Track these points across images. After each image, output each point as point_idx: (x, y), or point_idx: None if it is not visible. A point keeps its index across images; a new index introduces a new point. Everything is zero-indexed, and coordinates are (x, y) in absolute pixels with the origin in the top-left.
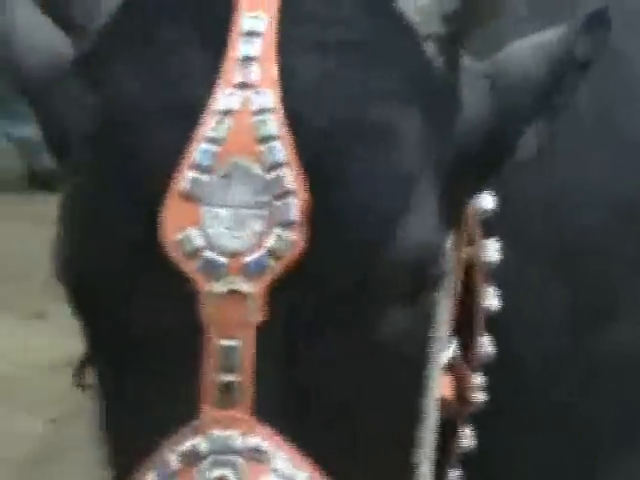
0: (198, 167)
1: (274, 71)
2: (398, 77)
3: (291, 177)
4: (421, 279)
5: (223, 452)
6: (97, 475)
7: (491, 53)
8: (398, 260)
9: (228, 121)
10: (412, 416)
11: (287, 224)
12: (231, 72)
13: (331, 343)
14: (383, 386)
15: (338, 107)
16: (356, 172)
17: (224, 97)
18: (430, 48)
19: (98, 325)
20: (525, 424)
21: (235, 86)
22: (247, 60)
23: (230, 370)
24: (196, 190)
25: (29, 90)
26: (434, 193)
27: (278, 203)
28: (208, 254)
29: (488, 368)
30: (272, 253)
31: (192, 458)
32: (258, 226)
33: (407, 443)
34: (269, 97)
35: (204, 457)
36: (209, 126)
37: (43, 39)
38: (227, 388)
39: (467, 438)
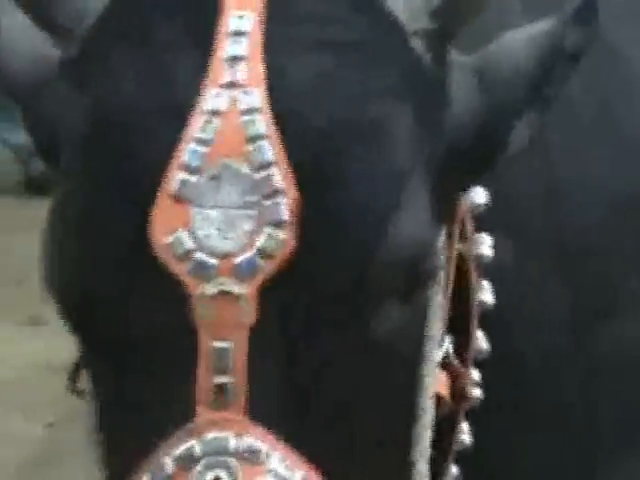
0: (187, 168)
1: (261, 70)
2: (389, 74)
3: (280, 176)
4: (415, 276)
5: (217, 454)
6: (94, 479)
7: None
8: (392, 257)
9: (216, 121)
10: (408, 414)
11: (277, 223)
12: (218, 72)
13: (325, 342)
14: (378, 384)
15: (330, 106)
16: (350, 171)
17: (212, 97)
18: (418, 44)
19: (90, 329)
20: (525, 422)
21: (223, 86)
22: (234, 60)
23: (223, 372)
24: (185, 191)
25: (16, 95)
26: (426, 189)
27: (268, 202)
28: (198, 256)
29: (487, 364)
30: (263, 253)
31: (187, 461)
32: (248, 226)
33: (403, 441)
34: (257, 96)
35: (198, 460)
36: (197, 127)
37: (27, 42)
38: (220, 390)
39: (464, 435)
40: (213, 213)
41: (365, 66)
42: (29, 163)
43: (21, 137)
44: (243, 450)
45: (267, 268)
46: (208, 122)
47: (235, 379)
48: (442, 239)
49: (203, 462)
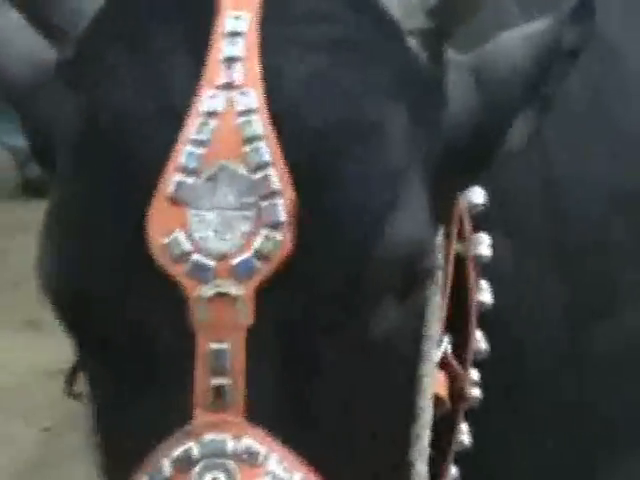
0: (184, 170)
1: (258, 70)
2: (385, 74)
3: (277, 177)
4: (412, 275)
5: (215, 456)
6: None
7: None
8: (389, 257)
9: (213, 123)
10: (407, 414)
11: (274, 224)
12: (215, 73)
13: (323, 343)
14: (376, 385)
15: (327, 106)
16: (347, 171)
17: (208, 98)
18: (414, 43)
19: (87, 331)
20: (524, 422)
21: (219, 87)
22: (230, 61)
23: (221, 373)
24: (182, 193)
25: (12, 97)
26: (423, 189)
27: (264, 204)
28: (195, 257)
29: (485, 364)
30: (260, 254)
31: (185, 463)
32: (245, 227)
33: (402, 442)
34: (253, 97)
35: (196, 462)
36: (193, 128)
37: (23, 44)
38: (218, 391)
39: (464, 436)
40: (210, 215)
41: (361, 65)
42: (26, 166)
43: (18, 140)
44: (241, 452)
45: (264, 269)
46: (204, 123)
47: (233, 381)
48: (440, 239)
49: (201, 464)
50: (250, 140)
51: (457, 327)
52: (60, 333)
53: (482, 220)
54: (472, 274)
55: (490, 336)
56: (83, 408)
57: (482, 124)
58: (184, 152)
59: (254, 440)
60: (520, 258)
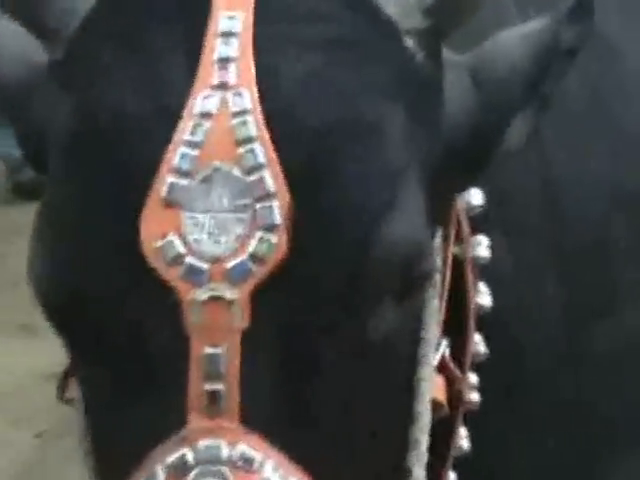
0: (177, 172)
1: (252, 71)
2: (382, 73)
3: (272, 179)
4: (410, 277)
5: (210, 462)
6: None
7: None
8: (386, 257)
9: (207, 124)
10: (404, 418)
11: (269, 227)
12: (209, 74)
13: (319, 346)
14: (374, 389)
15: (323, 106)
16: (344, 171)
17: (202, 99)
18: (411, 43)
19: (79, 334)
20: (522, 423)
21: (213, 88)
22: (224, 61)
23: (216, 378)
24: (176, 195)
25: (6, 100)
26: (421, 189)
27: (259, 206)
28: (189, 260)
29: (485, 365)
30: (255, 257)
31: (179, 470)
32: (240, 230)
33: (400, 446)
34: (248, 98)
35: (191, 468)
36: (187, 129)
37: (16, 46)
38: (213, 396)
39: (463, 440)
40: (204, 217)
41: (357, 65)
42: (17, 170)
43: (10, 147)
44: (236, 458)
45: (259, 272)
46: (198, 125)
47: (227, 385)
48: (438, 241)
49: (196, 471)
50: (244, 141)
51: (455, 330)
52: (54, 337)
53: (480, 221)
54: (470, 276)
55: (489, 337)
56: (76, 413)
57: (480, 124)
58: (178, 154)
59: (249, 446)
60: (519, 258)
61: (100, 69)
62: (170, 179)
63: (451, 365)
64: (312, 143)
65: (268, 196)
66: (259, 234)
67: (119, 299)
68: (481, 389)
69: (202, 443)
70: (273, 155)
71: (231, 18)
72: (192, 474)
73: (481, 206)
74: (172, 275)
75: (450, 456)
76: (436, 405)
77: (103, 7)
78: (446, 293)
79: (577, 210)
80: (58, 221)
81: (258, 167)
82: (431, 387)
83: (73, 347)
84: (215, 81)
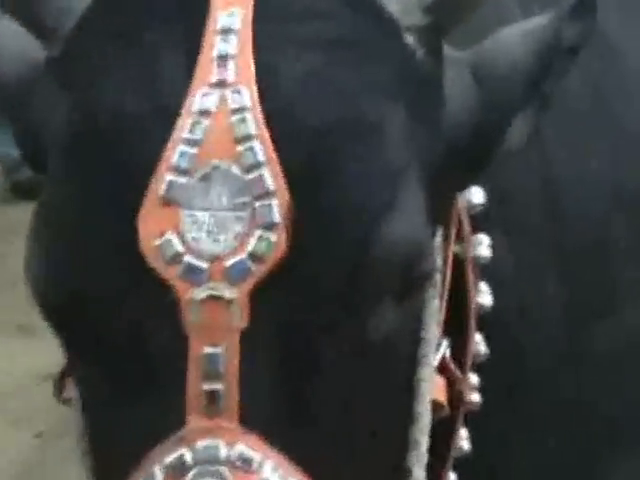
0: (176, 170)
1: (251, 68)
2: (383, 71)
3: (271, 177)
4: (410, 277)
5: (209, 462)
6: None
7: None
8: (386, 257)
9: (205, 122)
10: (404, 418)
11: (268, 225)
12: (207, 71)
13: (319, 346)
14: (374, 389)
15: (323, 104)
16: (343, 170)
17: (201, 97)
18: (411, 40)
19: (77, 333)
20: (523, 422)
21: (212, 85)
22: (223, 58)
23: (214, 378)
24: (174, 194)
25: (4, 99)
26: (421, 188)
27: (259, 204)
28: (188, 259)
29: (485, 365)
30: (254, 256)
31: (177, 470)
32: (239, 229)
33: (400, 447)
34: (247, 95)
35: (189, 468)
36: (186, 127)
37: (16, 46)
38: (212, 396)
39: (463, 441)
40: (203, 215)
41: (358, 63)
42: (14, 170)
43: (7, 147)
44: (235, 459)
45: (258, 271)
46: (197, 122)
47: (226, 385)
48: (438, 240)
49: (194, 471)
50: (243, 139)
51: (456, 330)
52: (52, 337)
53: (481, 220)
54: (471, 276)
55: (489, 337)
56: (74, 413)
57: (481, 122)
58: (176, 152)
59: (248, 446)
60: (519, 257)
61: (98, 67)
62: (169, 177)
63: (451, 365)
64: (311, 142)
65: (267, 194)
66: (258, 233)
67: (117, 298)
68: (482, 389)
69: (201, 443)
70: (273, 153)
71: (230, 15)
72: (190, 474)
73: (482, 205)
74: (171, 274)
75: (450, 457)
76: (436, 406)
77: (100, 5)
78: (446, 293)
79: (577, 209)
80: (56, 220)
81: (257, 165)
82: (431, 387)
83: (71, 347)
84: (214, 79)
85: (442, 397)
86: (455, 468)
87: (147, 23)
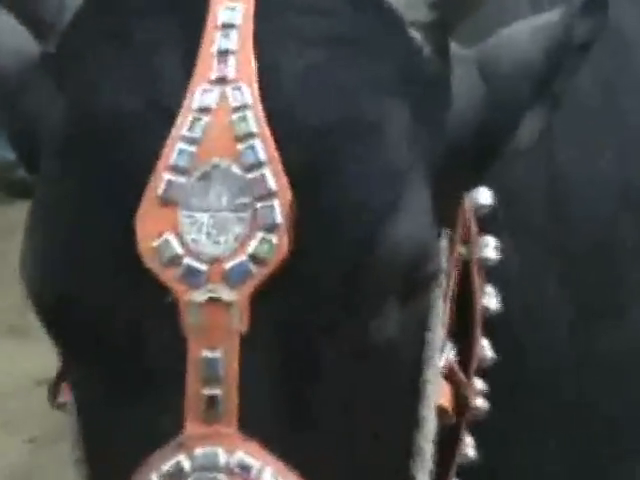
0: (174, 169)
1: (253, 65)
2: (387, 69)
3: (273, 177)
4: (415, 279)
5: (207, 470)
6: None
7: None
8: (389, 258)
9: (205, 119)
10: (409, 425)
11: (270, 227)
12: (207, 67)
13: (321, 350)
14: (377, 394)
15: (325, 102)
16: (346, 169)
17: (200, 94)
18: (417, 36)
19: (72, 336)
20: (527, 424)
21: (212, 82)
22: (224, 54)
23: (213, 382)
24: (173, 193)
25: (4, 98)
26: (426, 189)
27: (260, 205)
28: (187, 261)
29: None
30: (255, 258)
31: (175, 477)
32: (239, 230)
33: (403, 453)
34: (248, 93)
35: (187, 476)
36: (185, 125)
37: (13, 42)
38: (211, 402)
39: (468, 448)
40: (202, 216)
41: (361, 60)
42: (9, 170)
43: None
44: (234, 466)
45: (259, 274)
46: (197, 120)
47: (226, 390)
48: (444, 242)
49: (192, 478)
50: (244, 137)
51: (461, 334)
52: (47, 340)
53: (488, 222)
54: (477, 278)
55: (495, 339)
56: (69, 418)
57: (489, 121)
58: (175, 150)
59: (248, 453)
60: (524, 259)
61: (93, 65)
62: (167, 176)
63: (457, 370)
64: (314, 141)
65: (269, 195)
66: (260, 234)
67: (114, 300)
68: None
69: (199, 450)
70: (274, 152)
71: (231, 9)
72: None
73: (489, 206)
74: (169, 276)
75: (455, 464)
76: (441, 412)
77: (94, 1)
78: (452, 295)
79: (584, 209)
80: (51, 220)
81: (258, 164)
82: (436, 392)
83: (66, 349)
84: (214, 75)
85: (447, 403)
86: (458, 475)
87: (142, 18)
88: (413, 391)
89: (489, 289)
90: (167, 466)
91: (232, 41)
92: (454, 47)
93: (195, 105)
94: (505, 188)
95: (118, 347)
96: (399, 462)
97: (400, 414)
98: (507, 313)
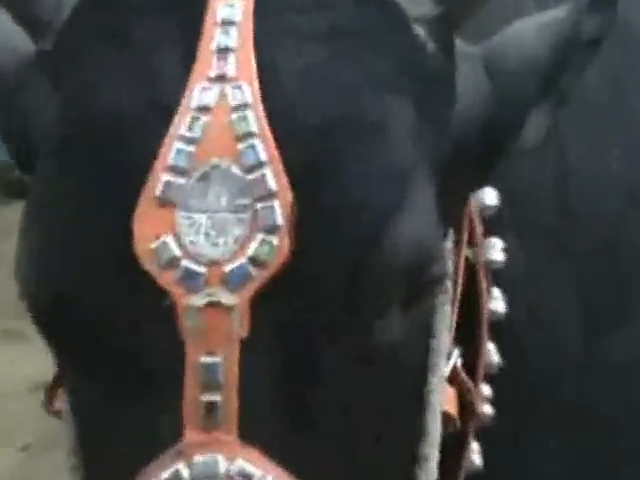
0: (173, 169)
1: (253, 63)
2: (390, 66)
3: (273, 177)
4: (419, 281)
5: (207, 478)
6: None
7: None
8: (392, 260)
9: (204, 118)
10: (413, 431)
11: (270, 228)
12: (207, 65)
13: (323, 355)
14: (380, 400)
15: (326, 101)
16: (347, 169)
17: (199, 92)
18: (421, 32)
19: (68, 340)
20: (535, 429)
21: (211, 80)
22: (223, 51)
23: (213, 388)
24: (171, 194)
25: (2, 96)
26: (431, 188)
27: (260, 206)
28: (185, 264)
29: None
30: (255, 261)
31: None
32: (239, 232)
33: (408, 460)
34: (248, 91)
35: None
36: (184, 124)
37: (8, 40)
38: (210, 408)
39: (475, 455)
40: (201, 217)
41: (363, 57)
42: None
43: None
44: (234, 474)
45: (260, 276)
46: (195, 119)
47: (225, 396)
48: (449, 243)
49: None
50: (244, 137)
51: (468, 338)
52: (42, 345)
53: (494, 223)
54: (483, 281)
55: (500, 343)
56: (64, 425)
57: (494, 118)
58: (173, 150)
59: (248, 461)
60: (530, 260)
61: (91, 63)
62: (165, 177)
63: (463, 376)
64: (315, 140)
65: (270, 195)
66: (260, 236)
67: (111, 301)
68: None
69: (198, 458)
70: (275, 152)
71: (231, 6)
72: None
73: (495, 207)
74: (166, 279)
75: (461, 473)
76: (447, 418)
77: None
78: (458, 299)
79: (591, 207)
80: (47, 220)
81: (259, 165)
82: (442, 398)
83: (60, 353)
84: (213, 73)
85: (453, 409)
86: None
87: (141, 16)
88: (418, 397)
89: (496, 292)
90: (166, 475)
91: (232, 38)
92: (459, 44)
93: (194, 104)
94: (510, 188)
95: (115, 350)
96: (403, 469)
97: (404, 420)
98: (511, 314)
